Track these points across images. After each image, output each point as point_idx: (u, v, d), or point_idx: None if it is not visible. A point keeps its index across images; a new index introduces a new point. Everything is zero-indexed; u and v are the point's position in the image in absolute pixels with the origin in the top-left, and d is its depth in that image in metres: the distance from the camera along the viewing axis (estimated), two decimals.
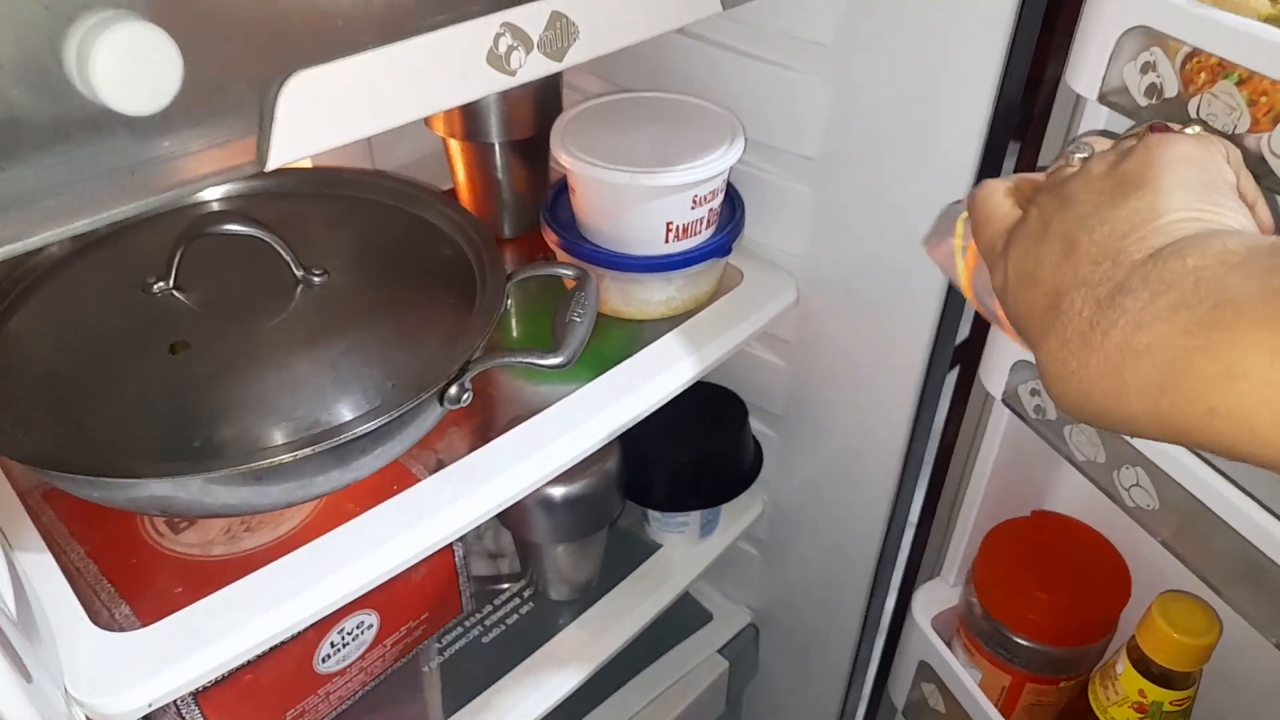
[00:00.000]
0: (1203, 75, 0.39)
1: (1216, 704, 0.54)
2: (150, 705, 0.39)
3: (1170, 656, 0.51)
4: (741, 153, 0.58)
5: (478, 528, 0.75)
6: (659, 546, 0.74)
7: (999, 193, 0.37)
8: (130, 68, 0.28)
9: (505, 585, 0.71)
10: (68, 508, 0.49)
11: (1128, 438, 0.47)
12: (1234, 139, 0.39)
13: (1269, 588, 0.43)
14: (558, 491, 0.62)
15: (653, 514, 0.73)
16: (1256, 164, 0.38)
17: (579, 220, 0.61)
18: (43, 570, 0.44)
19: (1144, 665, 0.52)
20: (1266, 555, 0.41)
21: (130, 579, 0.46)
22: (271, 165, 0.33)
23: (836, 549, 0.74)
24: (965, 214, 0.41)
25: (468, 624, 0.68)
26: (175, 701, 0.49)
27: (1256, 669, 0.53)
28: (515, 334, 0.62)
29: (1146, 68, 0.41)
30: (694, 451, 0.69)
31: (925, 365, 0.61)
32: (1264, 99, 0.38)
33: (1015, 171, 0.56)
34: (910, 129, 0.54)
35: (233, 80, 0.32)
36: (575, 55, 0.41)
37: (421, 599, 0.60)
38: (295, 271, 0.49)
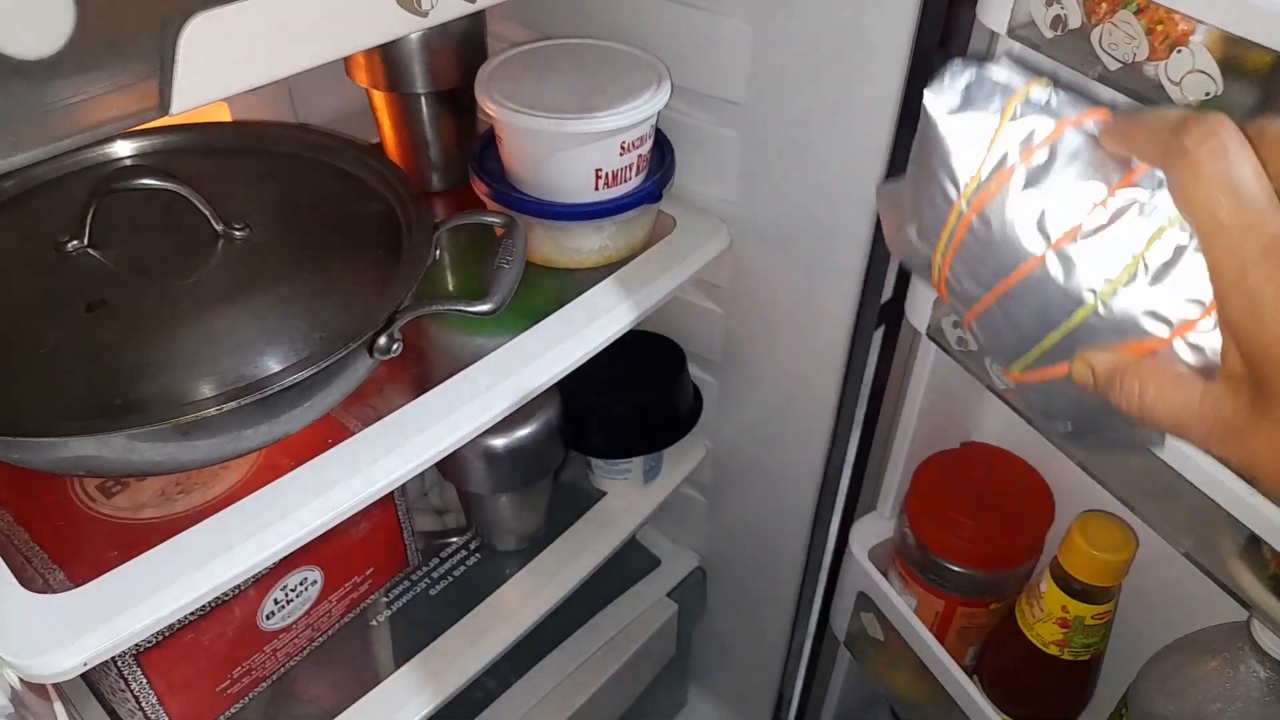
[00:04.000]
0: (1104, 5, 0.40)
1: (1135, 619, 0.57)
2: (85, 664, 0.38)
3: (1089, 573, 0.53)
4: (668, 98, 0.58)
5: (423, 485, 0.76)
6: (603, 494, 0.75)
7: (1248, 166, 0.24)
8: (17, 9, 0.28)
9: (452, 539, 0.72)
10: None
11: None
12: (1133, 68, 0.40)
13: (1178, 501, 0.45)
14: (499, 442, 0.63)
15: (596, 462, 0.74)
16: (1155, 91, 0.40)
17: (508, 170, 0.60)
18: None
19: (1065, 583, 0.55)
20: (1176, 471, 0.43)
21: (62, 544, 0.45)
22: (176, 109, 0.32)
23: (777, 490, 0.76)
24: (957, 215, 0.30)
25: (415, 578, 0.68)
26: (117, 663, 0.49)
27: (1170, 585, 0.56)
28: (450, 288, 0.62)
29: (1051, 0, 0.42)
30: (633, 398, 0.70)
31: (853, 319, 0.62)
32: (1160, 27, 0.39)
33: None
34: (831, 73, 0.55)
35: (131, 22, 0.31)
36: None
37: (365, 554, 0.61)
38: (215, 226, 0.48)
